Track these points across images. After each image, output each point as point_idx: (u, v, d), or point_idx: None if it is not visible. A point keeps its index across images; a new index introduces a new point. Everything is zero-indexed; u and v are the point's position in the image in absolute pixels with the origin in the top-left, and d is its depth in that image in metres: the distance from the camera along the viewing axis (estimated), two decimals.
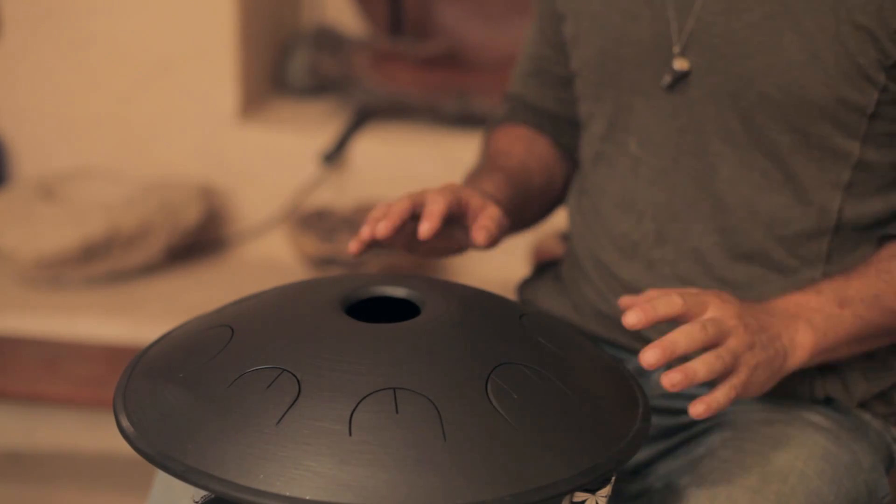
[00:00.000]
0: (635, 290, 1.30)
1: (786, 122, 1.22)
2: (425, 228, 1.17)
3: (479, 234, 1.20)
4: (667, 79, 1.26)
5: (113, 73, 2.49)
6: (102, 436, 2.15)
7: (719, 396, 1.08)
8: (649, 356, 1.05)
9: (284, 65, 2.59)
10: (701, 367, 1.07)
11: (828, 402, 1.27)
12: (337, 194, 2.43)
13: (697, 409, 1.07)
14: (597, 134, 1.35)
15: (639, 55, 1.28)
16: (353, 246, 1.19)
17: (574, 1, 1.34)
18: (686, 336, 1.07)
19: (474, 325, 1.05)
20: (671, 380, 1.05)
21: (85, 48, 2.47)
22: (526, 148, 1.42)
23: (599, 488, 0.99)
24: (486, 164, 1.38)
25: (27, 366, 2.17)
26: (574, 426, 0.98)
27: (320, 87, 2.57)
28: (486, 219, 1.21)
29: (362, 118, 2.45)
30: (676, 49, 1.25)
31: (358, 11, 2.60)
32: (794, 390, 1.25)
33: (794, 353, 1.15)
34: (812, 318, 1.17)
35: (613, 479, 1.00)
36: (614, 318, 1.31)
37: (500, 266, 2.29)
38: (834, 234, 1.25)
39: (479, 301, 1.12)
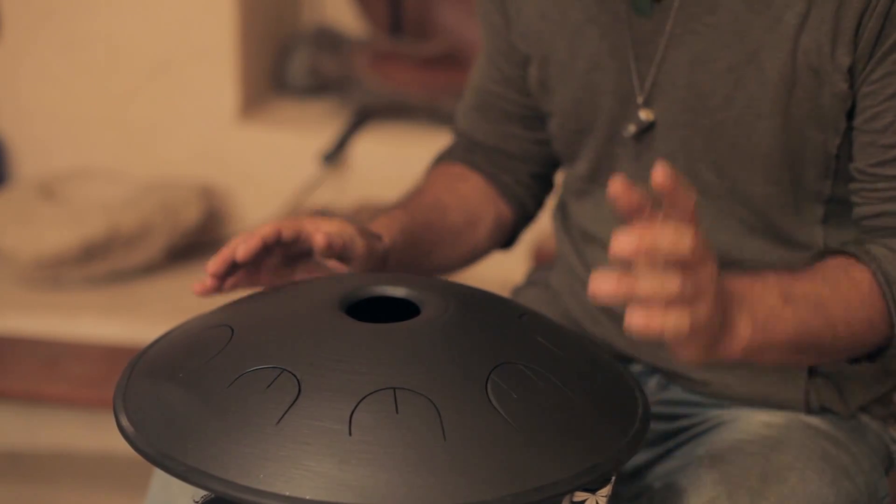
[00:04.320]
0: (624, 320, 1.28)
1: (758, 173, 1.21)
2: (241, 249, 1.14)
3: (317, 236, 1.15)
4: (631, 129, 1.25)
5: (113, 73, 2.49)
6: (102, 436, 2.15)
7: (657, 316, 0.94)
8: (619, 248, 0.92)
9: (284, 65, 2.59)
10: (648, 282, 0.93)
11: (824, 410, 1.27)
12: (337, 194, 2.43)
13: (638, 319, 0.94)
14: (579, 174, 1.33)
15: (610, 106, 1.27)
16: (199, 285, 1.16)
17: (540, 45, 1.31)
18: (658, 285, 0.94)
19: (474, 325, 1.05)
20: (613, 284, 0.92)
21: (85, 48, 2.47)
22: (447, 185, 1.38)
23: (599, 488, 0.99)
24: (395, 203, 1.34)
25: (27, 366, 2.17)
26: (574, 426, 0.98)
27: (320, 87, 2.57)
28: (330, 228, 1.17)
29: (362, 118, 2.45)
30: (640, 99, 1.24)
31: (358, 11, 2.60)
32: (788, 401, 1.25)
33: (731, 342, 1.03)
34: (754, 307, 1.05)
35: (613, 479, 1.00)
36: (606, 339, 1.32)
37: (500, 266, 2.29)
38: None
39: (479, 301, 1.12)
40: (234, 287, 1.18)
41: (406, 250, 1.28)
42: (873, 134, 1.17)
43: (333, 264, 1.20)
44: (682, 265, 0.95)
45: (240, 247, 1.15)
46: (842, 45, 1.15)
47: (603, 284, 0.92)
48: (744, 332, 1.04)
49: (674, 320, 0.94)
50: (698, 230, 0.97)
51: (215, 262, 1.16)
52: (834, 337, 1.11)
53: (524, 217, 1.44)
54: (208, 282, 1.17)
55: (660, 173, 0.96)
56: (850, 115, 1.19)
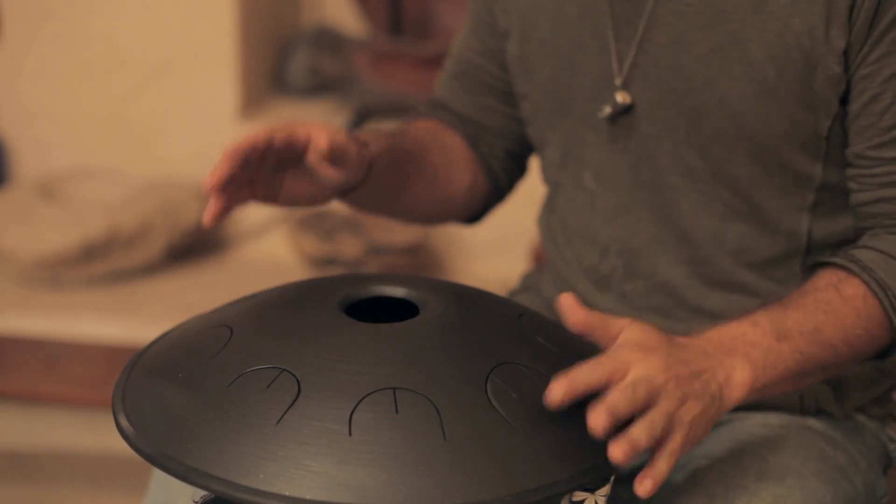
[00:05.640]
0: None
1: (744, 155, 1.19)
2: (229, 151, 1.10)
3: (320, 139, 1.11)
4: (606, 110, 1.23)
5: (113, 73, 2.49)
6: (102, 436, 2.15)
7: (661, 467, 1.00)
8: (596, 421, 0.97)
9: (284, 65, 2.59)
10: (642, 434, 0.98)
11: (820, 412, 1.26)
12: None
13: (646, 487, 0.99)
14: (553, 162, 1.32)
15: (588, 87, 1.25)
16: (207, 215, 1.12)
17: (520, 22, 1.30)
18: (624, 400, 0.98)
19: (474, 324, 1.05)
20: (623, 452, 0.97)
21: (85, 48, 2.47)
22: (429, 132, 1.36)
23: (598, 488, 0.99)
24: (377, 131, 1.28)
25: (27, 366, 2.17)
26: (573, 426, 0.98)
27: (320, 87, 2.57)
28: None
29: (362, 118, 2.45)
30: (618, 81, 1.22)
31: (358, 11, 2.60)
32: (784, 404, 1.24)
33: (731, 393, 1.06)
34: (749, 353, 1.07)
35: (612, 479, 1.00)
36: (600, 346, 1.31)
37: (499, 266, 2.29)
38: (806, 255, 1.23)
39: (479, 301, 1.11)
40: (224, 212, 1.13)
41: (388, 171, 1.24)
42: (871, 116, 1.16)
43: (326, 170, 1.14)
44: (645, 411, 1.00)
45: (228, 150, 1.10)
46: (836, 26, 1.14)
47: (617, 452, 0.97)
48: (744, 380, 1.06)
49: (665, 463, 1.00)
50: (629, 363, 1.01)
51: (215, 176, 1.10)
52: (835, 357, 1.12)
53: (496, 192, 1.41)
54: (211, 207, 1.11)
55: (570, 310, 1.03)
56: (843, 99, 1.17)
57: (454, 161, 1.36)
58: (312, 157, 1.13)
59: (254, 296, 1.14)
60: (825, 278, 1.14)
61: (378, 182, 1.23)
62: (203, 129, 2.48)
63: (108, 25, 2.47)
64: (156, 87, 2.48)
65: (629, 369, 1.00)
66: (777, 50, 1.15)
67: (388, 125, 1.33)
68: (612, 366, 1.00)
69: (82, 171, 2.50)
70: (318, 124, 1.14)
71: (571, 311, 1.03)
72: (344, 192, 1.22)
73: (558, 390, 0.97)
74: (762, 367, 1.07)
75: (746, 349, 1.07)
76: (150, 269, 2.38)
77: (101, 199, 2.41)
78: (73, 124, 2.52)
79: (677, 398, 1.01)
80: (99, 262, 2.32)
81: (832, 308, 1.12)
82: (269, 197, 1.17)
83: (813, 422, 1.24)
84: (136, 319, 2.22)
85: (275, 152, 1.13)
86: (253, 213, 2.48)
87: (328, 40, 2.57)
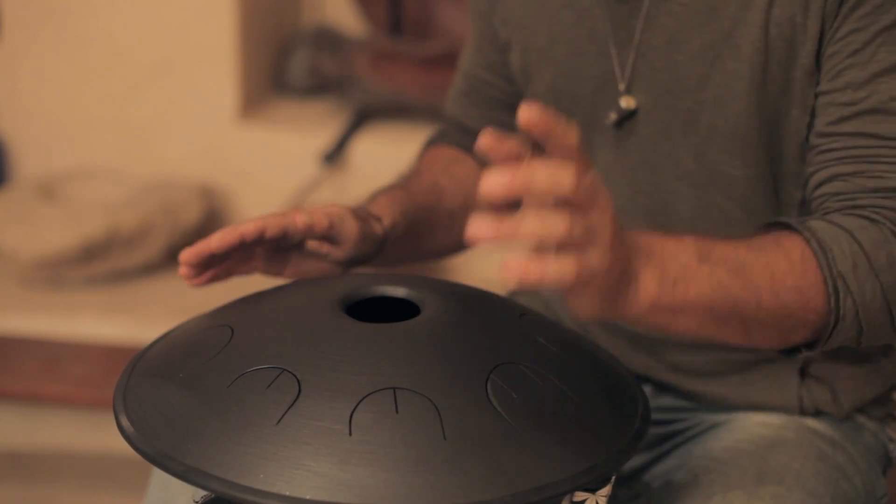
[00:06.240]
0: (612, 324, 1.26)
1: (739, 156, 1.18)
2: (215, 239, 1.11)
3: (297, 217, 1.13)
4: (612, 117, 1.23)
5: (113, 73, 2.49)
6: (102, 436, 2.15)
7: (554, 265, 0.86)
8: (486, 185, 0.83)
9: (284, 65, 2.59)
10: (535, 221, 0.85)
11: (819, 412, 1.26)
12: (337, 194, 2.43)
13: (512, 272, 0.85)
14: None
15: (590, 92, 1.25)
16: (183, 269, 1.13)
17: (520, 32, 1.30)
18: (543, 226, 0.85)
19: (474, 324, 1.05)
20: (489, 229, 0.83)
21: (85, 48, 2.47)
22: (443, 168, 1.38)
23: (599, 488, 0.99)
24: (393, 184, 1.34)
25: (27, 366, 2.17)
26: (574, 426, 0.99)
27: (320, 87, 2.57)
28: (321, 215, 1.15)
29: (362, 118, 2.45)
30: (622, 87, 1.22)
31: (358, 11, 2.60)
32: (782, 406, 1.24)
33: (635, 294, 0.95)
34: (664, 262, 0.96)
35: (613, 478, 1.00)
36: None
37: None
38: None
39: (479, 301, 1.12)
40: (215, 279, 1.16)
41: (405, 234, 1.27)
42: (834, 93, 1.13)
43: (325, 247, 1.18)
44: (570, 207, 0.86)
45: (214, 237, 1.12)
46: (812, 13, 1.12)
47: (482, 227, 0.83)
48: (650, 286, 0.95)
49: (558, 265, 0.86)
50: (585, 169, 0.87)
51: (188, 252, 1.13)
52: (758, 306, 1.02)
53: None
54: (181, 270, 1.14)
55: (526, 112, 0.85)
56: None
57: (469, 193, 1.37)
58: (311, 244, 1.17)
59: (254, 296, 1.14)
60: (770, 234, 1.08)
61: (396, 247, 1.26)
62: (203, 129, 2.48)
63: (108, 25, 2.46)
64: (156, 87, 2.48)
65: (593, 205, 0.88)
66: (762, 43, 1.15)
67: (400, 175, 1.37)
68: (576, 171, 0.86)
69: (82, 171, 2.50)
70: (312, 210, 1.16)
71: (497, 140, 0.87)
72: (358, 264, 1.23)
73: (498, 179, 0.83)
74: (673, 282, 0.97)
75: (662, 257, 0.97)
76: (150, 269, 2.38)
77: (101, 199, 2.41)
78: (73, 124, 2.52)
79: (609, 226, 0.89)
80: (99, 262, 2.32)
81: (765, 251, 1.04)
82: (273, 271, 1.20)
83: (812, 422, 1.24)
84: (136, 319, 2.22)
85: (270, 241, 1.15)
86: (253, 213, 2.48)
87: (328, 40, 2.57)
